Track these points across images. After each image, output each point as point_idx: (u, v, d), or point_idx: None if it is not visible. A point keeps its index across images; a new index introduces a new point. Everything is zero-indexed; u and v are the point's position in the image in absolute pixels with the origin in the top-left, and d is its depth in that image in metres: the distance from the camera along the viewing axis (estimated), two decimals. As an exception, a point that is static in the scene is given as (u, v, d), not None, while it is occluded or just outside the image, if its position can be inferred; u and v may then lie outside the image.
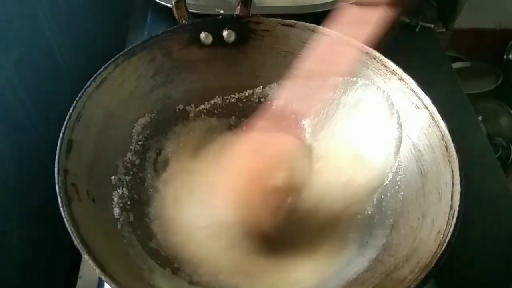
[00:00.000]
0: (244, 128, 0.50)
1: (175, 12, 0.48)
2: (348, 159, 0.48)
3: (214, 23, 0.48)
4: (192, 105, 0.51)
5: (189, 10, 0.48)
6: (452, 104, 0.58)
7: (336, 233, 0.44)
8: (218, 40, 0.49)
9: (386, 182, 0.46)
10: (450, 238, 0.35)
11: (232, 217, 0.44)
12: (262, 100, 0.52)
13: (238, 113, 0.52)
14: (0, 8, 0.49)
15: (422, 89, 0.43)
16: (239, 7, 0.50)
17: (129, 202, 0.43)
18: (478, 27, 1.18)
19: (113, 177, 0.43)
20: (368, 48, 0.45)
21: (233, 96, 0.52)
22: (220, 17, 0.49)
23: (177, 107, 0.50)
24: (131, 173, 0.46)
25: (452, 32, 0.75)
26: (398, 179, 0.45)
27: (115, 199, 0.42)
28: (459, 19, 0.74)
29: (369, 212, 0.45)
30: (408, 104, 0.44)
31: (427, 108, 0.43)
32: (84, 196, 0.39)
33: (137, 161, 0.47)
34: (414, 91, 0.44)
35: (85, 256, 0.33)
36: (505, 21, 1.19)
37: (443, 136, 0.41)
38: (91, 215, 0.38)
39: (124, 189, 0.44)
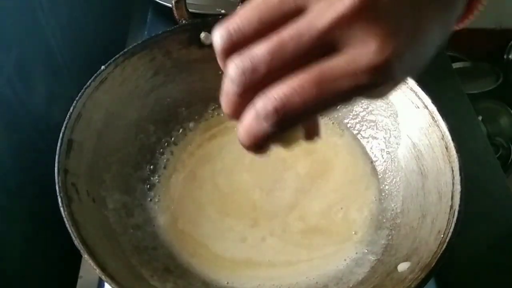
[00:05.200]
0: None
1: (175, 12, 0.48)
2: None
3: (214, 23, 0.48)
4: (192, 106, 0.51)
5: (189, 10, 0.48)
6: (452, 104, 0.58)
7: (336, 233, 0.44)
8: (218, 40, 0.49)
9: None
10: (451, 238, 0.35)
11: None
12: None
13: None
14: (0, 8, 0.49)
15: (422, 89, 0.43)
16: (239, 7, 0.50)
17: (129, 202, 0.44)
18: (478, 27, 1.18)
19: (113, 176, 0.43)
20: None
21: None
22: (220, 17, 0.49)
23: (178, 109, 0.50)
24: (132, 173, 0.46)
25: (452, 32, 0.75)
26: (398, 179, 0.45)
27: (116, 199, 0.42)
28: (459, 19, 0.74)
29: (369, 212, 0.45)
30: (408, 104, 0.44)
31: (427, 108, 0.43)
32: (84, 196, 0.39)
33: (138, 161, 0.47)
34: (414, 91, 0.44)
35: (85, 256, 0.33)
36: (505, 21, 1.19)
37: (443, 136, 0.41)
38: (91, 215, 0.38)
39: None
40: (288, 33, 0.19)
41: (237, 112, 0.21)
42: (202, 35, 0.48)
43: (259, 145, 0.20)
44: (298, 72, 0.18)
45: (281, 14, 0.19)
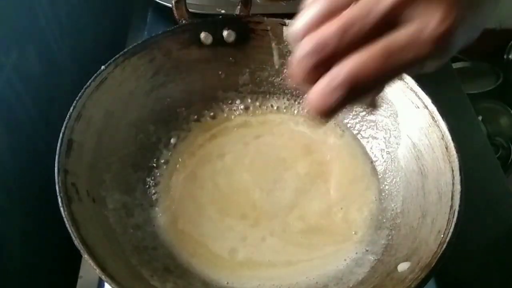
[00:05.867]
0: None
1: (175, 12, 0.48)
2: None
3: (214, 23, 0.48)
4: (192, 106, 0.51)
5: (189, 10, 0.48)
6: (452, 104, 0.58)
7: (336, 233, 0.44)
8: (218, 40, 0.49)
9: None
10: (451, 238, 0.35)
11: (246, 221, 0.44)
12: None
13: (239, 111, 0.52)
14: (0, 8, 0.49)
15: (422, 89, 0.43)
16: (239, 7, 0.50)
17: (129, 202, 0.44)
18: (478, 27, 1.18)
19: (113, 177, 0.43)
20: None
21: (233, 95, 0.52)
22: (220, 17, 0.49)
23: (178, 109, 0.50)
24: (132, 173, 0.46)
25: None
26: (398, 179, 0.45)
27: (116, 199, 0.42)
28: (459, 19, 0.74)
29: (369, 212, 0.45)
30: (408, 104, 0.44)
31: (427, 108, 0.43)
32: (84, 196, 0.39)
33: (138, 161, 0.47)
34: (414, 91, 0.44)
35: (85, 256, 0.33)
36: (505, 21, 1.19)
37: (443, 136, 0.41)
38: (91, 215, 0.38)
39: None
40: (356, 12, 0.21)
41: (308, 80, 0.23)
42: (202, 35, 0.48)
43: (328, 112, 0.22)
44: (366, 46, 0.20)
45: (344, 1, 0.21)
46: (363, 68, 0.20)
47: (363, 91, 0.21)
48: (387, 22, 0.20)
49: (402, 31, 0.20)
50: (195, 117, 0.51)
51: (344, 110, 0.22)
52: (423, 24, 0.20)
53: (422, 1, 0.19)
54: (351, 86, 0.21)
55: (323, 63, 0.21)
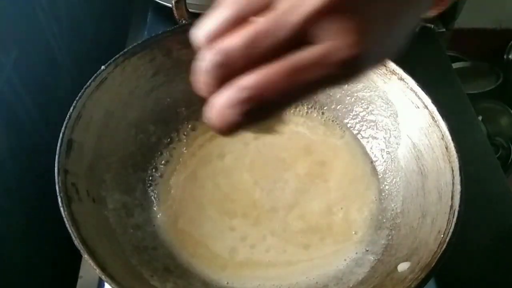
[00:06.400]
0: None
1: (175, 12, 0.48)
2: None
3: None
4: (192, 106, 0.51)
5: (189, 10, 0.48)
6: (452, 104, 0.58)
7: (336, 233, 0.44)
8: (218, 40, 0.49)
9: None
10: (451, 238, 0.35)
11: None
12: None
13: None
14: (0, 8, 0.49)
15: (422, 89, 0.43)
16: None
17: (129, 202, 0.44)
18: (478, 27, 1.18)
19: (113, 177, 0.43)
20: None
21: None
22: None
23: (178, 109, 0.50)
24: (132, 173, 0.46)
25: (452, 32, 0.75)
26: (398, 179, 0.45)
27: (116, 199, 0.43)
28: (459, 19, 0.74)
29: (369, 212, 0.45)
30: (408, 104, 0.44)
31: (427, 108, 0.43)
32: (84, 196, 0.39)
33: (138, 161, 0.47)
34: (414, 91, 0.44)
35: (85, 256, 0.33)
36: (505, 21, 1.19)
37: (443, 136, 0.41)
38: (91, 215, 0.38)
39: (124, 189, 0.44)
40: (265, 24, 0.19)
41: (210, 94, 0.22)
42: (202, 35, 0.48)
43: (229, 131, 0.21)
44: (272, 63, 0.19)
45: (254, 9, 0.20)
46: (266, 85, 0.19)
47: (265, 109, 0.20)
48: (296, 40, 0.19)
49: (310, 50, 0.19)
50: (195, 117, 0.51)
51: (246, 127, 0.21)
52: (331, 47, 0.18)
53: (332, 22, 0.18)
54: (252, 106, 0.19)
55: (226, 78, 0.20)
